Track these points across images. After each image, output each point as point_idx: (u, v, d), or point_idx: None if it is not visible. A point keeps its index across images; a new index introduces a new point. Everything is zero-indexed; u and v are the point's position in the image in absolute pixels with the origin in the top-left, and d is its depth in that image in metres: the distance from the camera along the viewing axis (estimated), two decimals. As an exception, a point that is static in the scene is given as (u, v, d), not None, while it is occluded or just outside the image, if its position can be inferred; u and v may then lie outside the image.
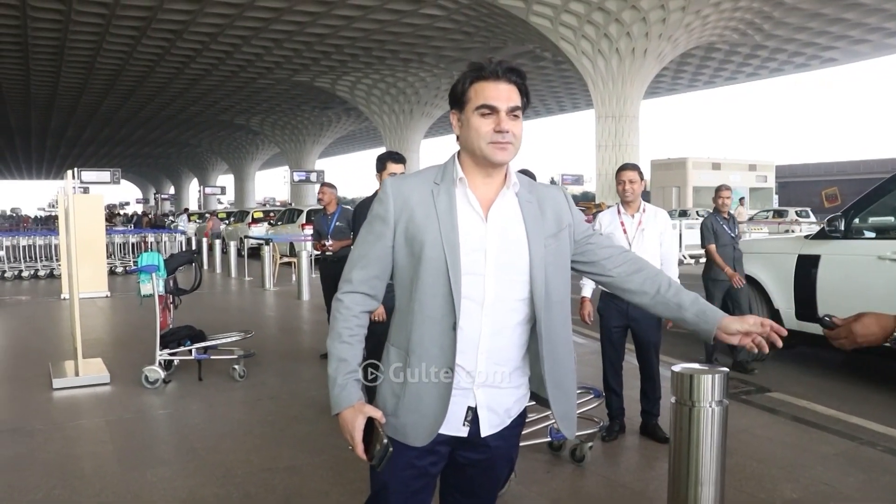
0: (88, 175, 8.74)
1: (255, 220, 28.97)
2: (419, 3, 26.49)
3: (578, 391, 5.14)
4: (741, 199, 31.87)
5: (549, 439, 4.67)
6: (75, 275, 7.14)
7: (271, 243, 16.94)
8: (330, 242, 7.75)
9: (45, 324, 10.89)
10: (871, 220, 7.53)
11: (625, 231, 5.18)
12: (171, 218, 39.70)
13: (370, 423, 2.04)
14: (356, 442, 2.03)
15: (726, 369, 3.44)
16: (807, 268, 7.26)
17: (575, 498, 4.25)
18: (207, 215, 35.20)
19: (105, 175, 8.82)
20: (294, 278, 15.19)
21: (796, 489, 4.31)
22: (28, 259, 18.46)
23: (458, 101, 2.12)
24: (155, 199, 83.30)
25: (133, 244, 20.59)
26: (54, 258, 18.11)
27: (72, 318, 7.24)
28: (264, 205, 63.57)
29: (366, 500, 2.30)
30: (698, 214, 32.96)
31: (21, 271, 17.97)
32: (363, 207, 5.62)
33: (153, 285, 6.83)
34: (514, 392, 2.18)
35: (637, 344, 5.33)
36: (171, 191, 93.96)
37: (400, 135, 41.95)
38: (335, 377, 2.10)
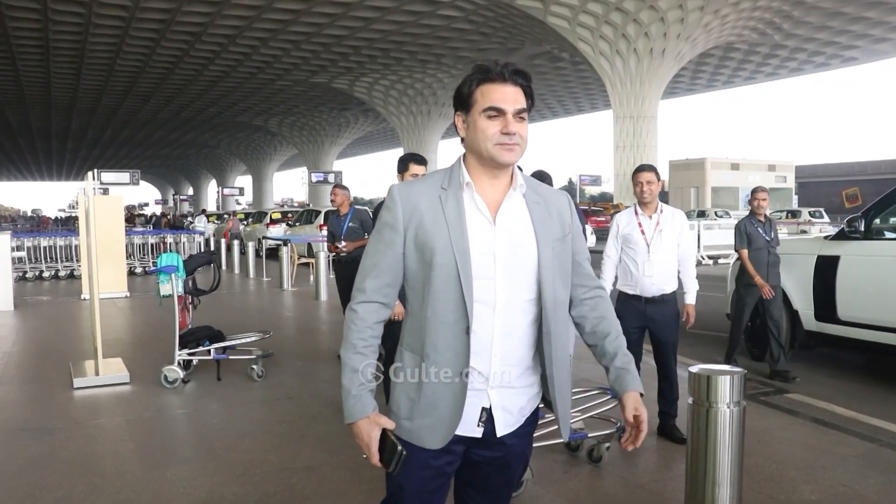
0: (108, 176, 8.76)
1: (273, 221, 29.10)
2: (437, 4, 26.54)
3: (595, 392, 5.17)
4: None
5: (567, 439, 4.66)
6: (95, 275, 7.19)
7: (289, 244, 17.00)
8: (343, 244, 7.77)
9: (66, 324, 10.99)
10: (892, 220, 7.46)
11: (643, 232, 5.16)
12: (189, 219, 39.95)
13: (383, 430, 2.09)
14: (372, 452, 2.08)
15: (743, 370, 3.44)
16: (826, 269, 7.20)
17: (592, 498, 4.24)
18: (227, 216, 35.38)
19: (124, 176, 8.85)
20: (312, 279, 15.26)
21: (815, 491, 4.28)
22: (49, 260, 18.63)
23: (463, 103, 2.13)
24: (174, 200, 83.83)
25: (152, 245, 20.74)
26: (74, 259, 18.26)
27: (92, 319, 7.29)
28: (282, 206, 63.80)
29: (382, 500, 2.32)
30: (716, 215, 32.83)
31: (42, 272, 18.16)
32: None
33: (172, 286, 6.87)
34: (527, 391, 2.20)
35: (655, 345, 5.32)
36: (190, 192, 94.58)
37: (418, 136, 42.05)
38: (349, 388, 2.12)
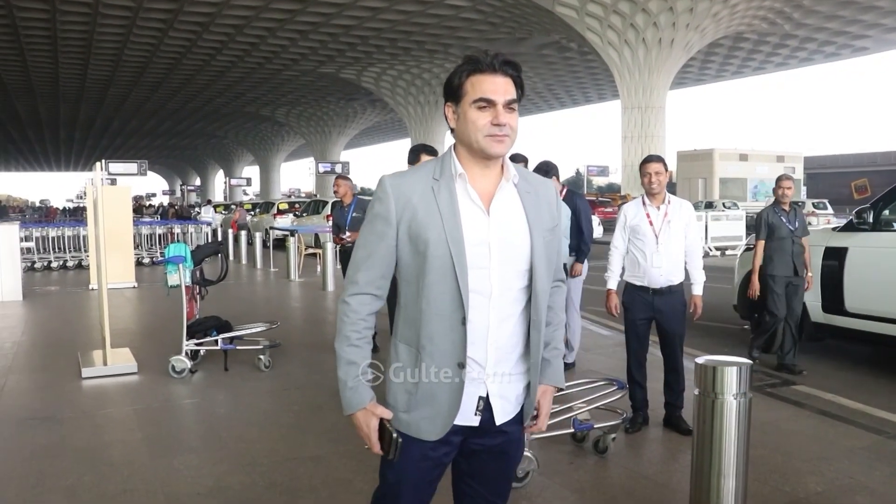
0: (116, 167, 8.76)
1: (281, 212, 29.15)
2: (444, -7, 26.46)
3: (601, 382, 5.17)
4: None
5: (573, 430, 4.68)
6: (103, 265, 7.21)
7: (296, 234, 17.02)
8: (348, 234, 7.77)
9: (74, 314, 11.03)
10: (901, 212, 7.42)
11: (651, 223, 5.15)
12: (196, 209, 40.00)
13: (381, 419, 2.13)
14: (372, 442, 2.13)
15: (750, 361, 3.43)
16: (834, 260, 7.18)
17: (598, 489, 4.25)
18: (234, 206, 35.41)
19: (132, 167, 8.84)
20: (319, 269, 15.28)
21: (821, 482, 4.28)
22: (57, 250, 18.69)
23: (453, 94, 2.12)
24: (181, 190, 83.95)
25: (160, 235, 20.79)
26: (83, 249, 18.32)
27: (100, 309, 7.32)
28: (289, 196, 63.90)
29: (375, 489, 2.33)
30: (724, 206, 32.72)
31: (50, 262, 18.21)
32: None
33: (180, 276, 6.89)
34: (522, 378, 2.21)
35: (662, 336, 5.31)
36: (198, 182, 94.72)
37: (425, 126, 41.99)
38: (345, 380, 2.14)
